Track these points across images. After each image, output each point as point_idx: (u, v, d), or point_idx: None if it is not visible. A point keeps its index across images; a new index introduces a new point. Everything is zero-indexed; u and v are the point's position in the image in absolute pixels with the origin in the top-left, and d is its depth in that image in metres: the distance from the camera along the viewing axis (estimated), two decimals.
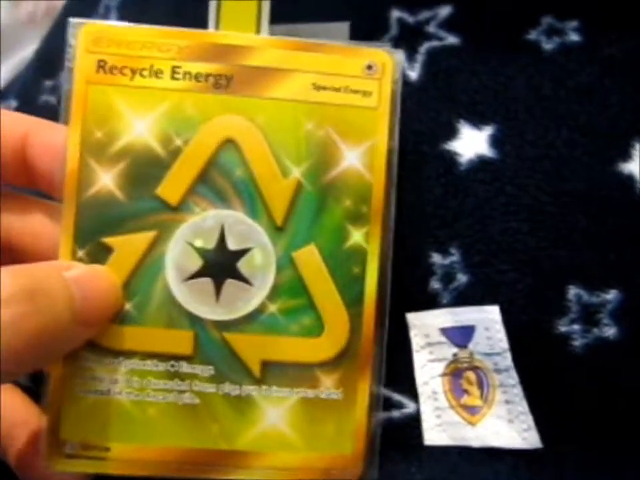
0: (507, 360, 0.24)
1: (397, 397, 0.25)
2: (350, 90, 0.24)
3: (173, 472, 0.23)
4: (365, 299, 0.24)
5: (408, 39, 0.26)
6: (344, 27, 0.24)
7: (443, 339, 0.25)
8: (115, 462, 0.23)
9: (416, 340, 0.25)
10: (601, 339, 0.24)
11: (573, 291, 0.24)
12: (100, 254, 0.23)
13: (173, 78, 0.23)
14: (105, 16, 0.28)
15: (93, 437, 0.23)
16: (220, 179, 0.23)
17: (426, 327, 0.25)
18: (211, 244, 0.23)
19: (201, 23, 0.25)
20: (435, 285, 0.25)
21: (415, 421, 0.25)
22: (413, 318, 0.25)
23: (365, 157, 0.24)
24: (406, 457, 0.24)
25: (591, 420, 0.24)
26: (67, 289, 0.20)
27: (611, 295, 0.24)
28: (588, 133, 0.25)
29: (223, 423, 0.23)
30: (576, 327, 0.24)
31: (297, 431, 0.23)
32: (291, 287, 0.23)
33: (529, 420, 0.24)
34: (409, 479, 0.24)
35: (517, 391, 0.24)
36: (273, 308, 0.23)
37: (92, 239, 0.23)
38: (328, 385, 0.23)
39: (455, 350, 0.25)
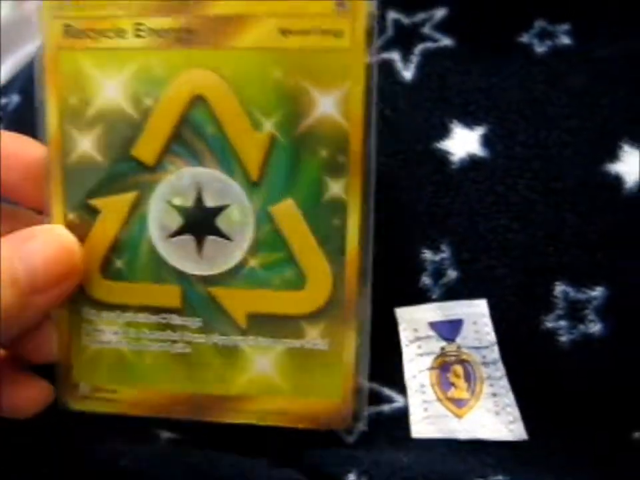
0: (495, 353, 0.25)
1: (387, 391, 0.25)
2: (320, 31, 0.22)
3: (173, 413, 0.25)
4: (346, 250, 0.23)
5: (403, 40, 0.27)
6: None
7: (431, 333, 0.25)
8: (122, 403, 0.25)
9: (405, 334, 0.25)
10: (587, 335, 0.24)
11: (559, 288, 0.24)
12: (88, 215, 0.24)
13: (136, 36, 0.22)
14: None
15: (101, 380, 0.25)
16: (193, 137, 0.23)
17: (415, 321, 0.25)
18: (189, 202, 0.23)
19: None
20: (426, 280, 0.25)
21: (403, 415, 0.25)
22: (401, 312, 0.25)
23: (339, 104, 0.22)
24: (395, 449, 0.25)
25: (576, 414, 0.24)
26: (12, 271, 0.21)
27: (597, 292, 0.24)
28: (578, 134, 0.25)
29: (214, 370, 0.24)
30: (562, 322, 0.24)
31: (286, 377, 0.24)
32: (271, 242, 0.23)
33: (515, 412, 0.24)
34: (394, 463, 0.24)
35: (504, 383, 0.25)
36: (253, 262, 0.23)
37: (80, 202, 0.24)
38: (314, 336, 0.24)
39: (442, 344, 0.25)
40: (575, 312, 0.24)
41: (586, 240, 0.24)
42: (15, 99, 0.30)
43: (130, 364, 0.25)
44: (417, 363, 0.25)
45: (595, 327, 0.24)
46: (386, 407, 0.25)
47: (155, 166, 0.23)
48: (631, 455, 0.24)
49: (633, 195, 0.24)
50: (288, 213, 0.23)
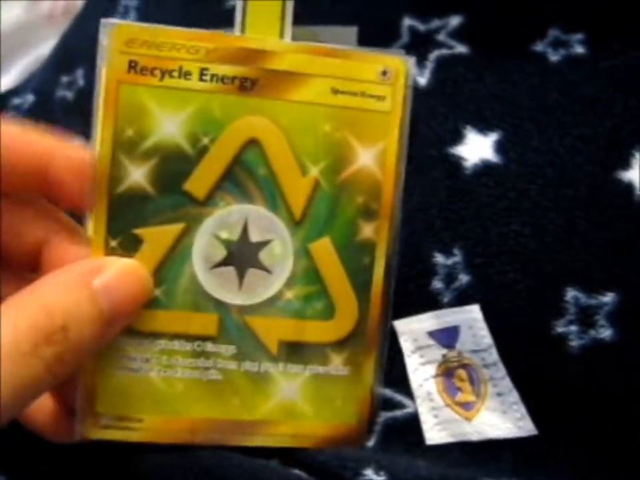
0: (493, 355, 0.26)
1: (399, 397, 0.26)
2: (366, 94, 0.25)
3: (199, 440, 0.25)
4: (372, 287, 0.26)
5: (418, 47, 0.28)
6: (352, 30, 0.25)
7: (431, 341, 0.26)
8: (147, 431, 0.25)
9: (406, 345, 0.26)
10: (597, 340, 0.25)
11: (570, 293, 0.25)
12: (131, 244, 0.24)
13: (200, 80, 0.24)
14: (125, 15, 0.29)
15: (127, 409, 0.25)
16: (244, 176, 0.25)
17: (413, 332, 0.26)
18: (235, 236, 0.25)
19: (218, 22, 0.25)
20: (437, 284, 0.26)
21: (416, 420, 0.26)
22: (400, 325, 0.27)
23: (377, 158, 0.25)
24: (410, 454, 0.25)
25: (584, 418, 0.25)
26: (96, 306, 0.21)
27: (608, 298, 0.25)
28: (590, 142, 0.26)
29: (243, 396, 0.26)
30: (573, 328, 0.25)
31: (309, 403, 0.26)
32: (307, 276, 0.26)
33: (521, 409, 0.25)
34: (411, 461, 0.25)
35: (507, 383, 0.25)
36: (289, 294, 0.25)
37: (124, 231, 0.24)
38: (337, 363, 0.26)
39: (443, 351, 0.26)
40: (585, 317, 0.25)
41: (597, 246, 0.25)
42: (29, 98, 0.29)
43: (159, 392, 0.25)
44: (421, 372, 0.26)
45: (606, 333, 0.25)
46: (399, 413, 0.26)
47: (204, 200, 0.25)
48: (637, 460, 0.25)
49: None
50: (324, 250, 0.26)
